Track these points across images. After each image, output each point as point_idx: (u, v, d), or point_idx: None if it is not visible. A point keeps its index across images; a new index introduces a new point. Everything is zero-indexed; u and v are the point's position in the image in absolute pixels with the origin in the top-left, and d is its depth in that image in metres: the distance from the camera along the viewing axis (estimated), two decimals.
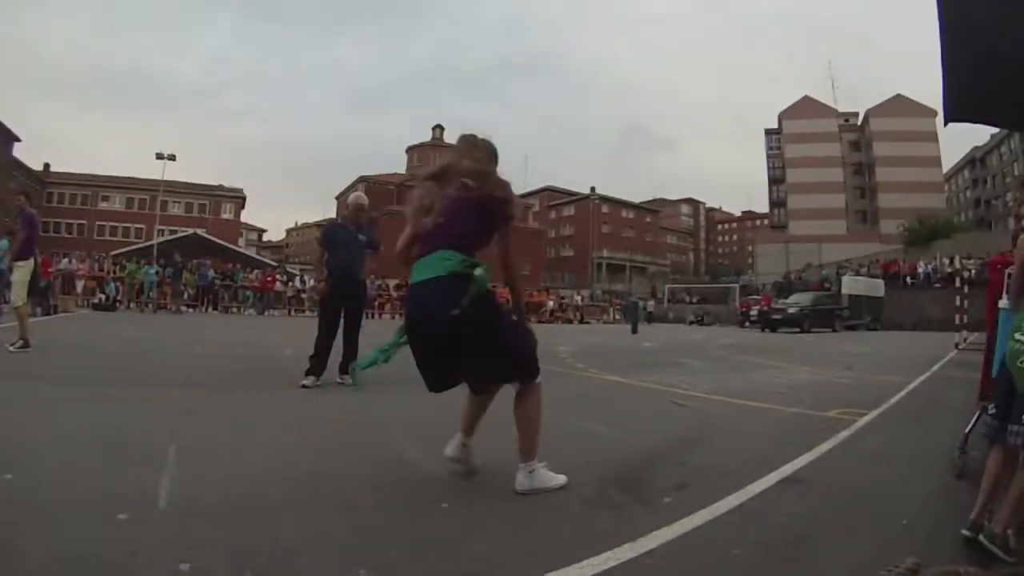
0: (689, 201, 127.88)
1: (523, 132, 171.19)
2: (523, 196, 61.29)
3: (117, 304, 26.65)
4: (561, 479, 3.78)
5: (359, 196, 8.62)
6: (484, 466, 4.07)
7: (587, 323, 37.77)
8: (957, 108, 4.51)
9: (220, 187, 77.66)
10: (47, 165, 75.76)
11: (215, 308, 29.34)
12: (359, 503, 3.44)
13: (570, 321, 37.52)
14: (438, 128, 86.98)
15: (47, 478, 3.65)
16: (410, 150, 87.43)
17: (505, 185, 3.83)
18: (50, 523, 2.95)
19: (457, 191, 3.74)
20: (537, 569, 2.61)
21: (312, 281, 30.24)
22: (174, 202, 71.45)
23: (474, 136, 4.01)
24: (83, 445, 4.45)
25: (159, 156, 47.15)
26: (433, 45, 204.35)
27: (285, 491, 3.57)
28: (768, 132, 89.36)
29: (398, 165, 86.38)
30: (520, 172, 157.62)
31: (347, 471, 4.08)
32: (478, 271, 3.55)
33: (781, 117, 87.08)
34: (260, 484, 3.68)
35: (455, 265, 3.55)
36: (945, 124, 5.00)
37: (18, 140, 65.81)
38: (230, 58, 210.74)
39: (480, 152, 3.91)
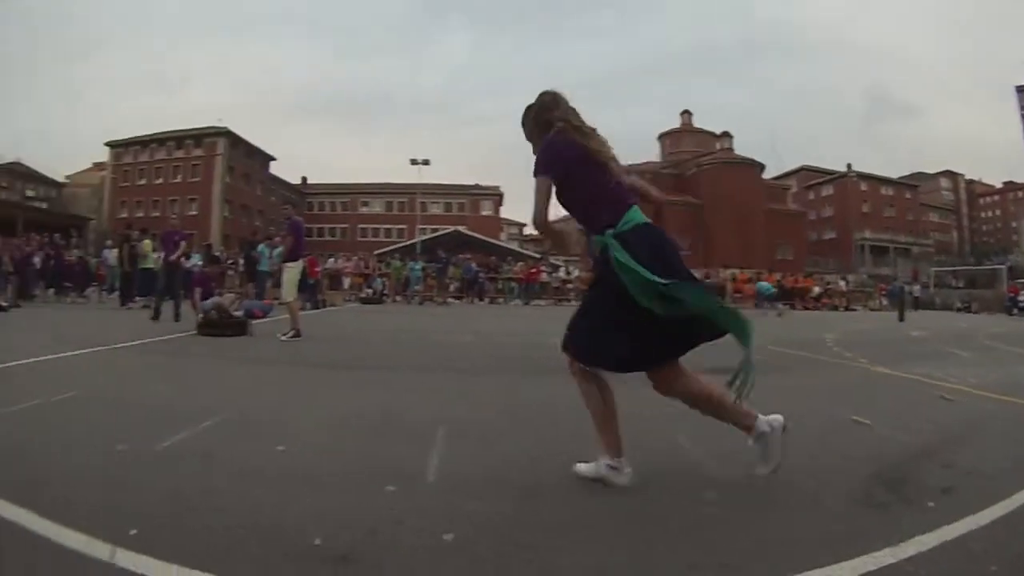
0: (947, 174, 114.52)
1: (769, 110, 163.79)
2: (778, 178, 58.86)
3: (384, 298, 28.11)
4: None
5: None
6: (745, 457, 3.75)
7: (852, 310, 35.59)
8: None
9: (476, 186, 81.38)
10: (304, 179, 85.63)
11: (480, 299, 30.23)
12: (621, 487, 3.30)
13: (836, 308, 35.54)
14: (686, 113, 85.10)
15: (318, 451, 3.90)
16: (661, 137, 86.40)
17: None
18: (319, 491, 3.14)
19: None
20: (795, 566, 2.46)
21: (577, 271, 30.89)
22: (432, 203, 76.06)
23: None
24: (353, 423, 4.73)
25: (413, 162, 50.07)
26: (667, 30, 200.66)
27: (548, 471, 3.54)
28: (1019, 89, 75.35)
29: (650, 154, 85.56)
30: (772, 154, 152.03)
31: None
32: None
33: None
34: (524, 463, 3.69)
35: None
36: None
37: (274, 159, 75.92)
38: (472, 67, 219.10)
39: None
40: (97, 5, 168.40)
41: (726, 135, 77.71)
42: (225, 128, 65.13)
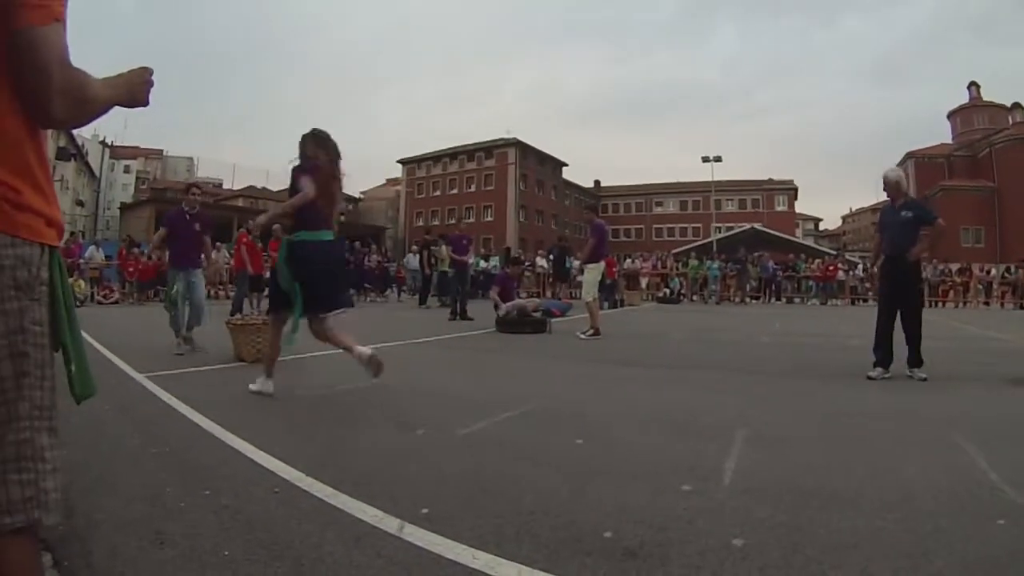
0: None
1: None
2: None
3: (681, 297, 27.92)
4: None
5: (892, 171, 7.48)
6: None
7: None
8: None
9: (770, 181, 78.46)
10: (597, 182, 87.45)
11: (778, 299, 29.22)
12: (919, 504, 3.02)
13: None
14: (973, 86, 75.00)
15: (616, 446, 3.93)
16: (951, 115, 77.30)
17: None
18: (614, 485, 3.16)
19: None
20: None
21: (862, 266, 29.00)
22: (727, 200, 74.73)
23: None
24: (653, 420, 4.71)
25: (705, 159, 49.10)
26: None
27: (846, 482, 3.32)
28: None
29: (942, 135, 76.49)
30: None
31: (903, 467, 3.61)
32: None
33: None
34: (821, 472, 3.48)
35: None
36: None
37: (566, 165, 77.37)
38: (745, 58, 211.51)
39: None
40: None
41: (1018, 107, 67.13)
42: (514, 139, 68.15)
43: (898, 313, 7.08)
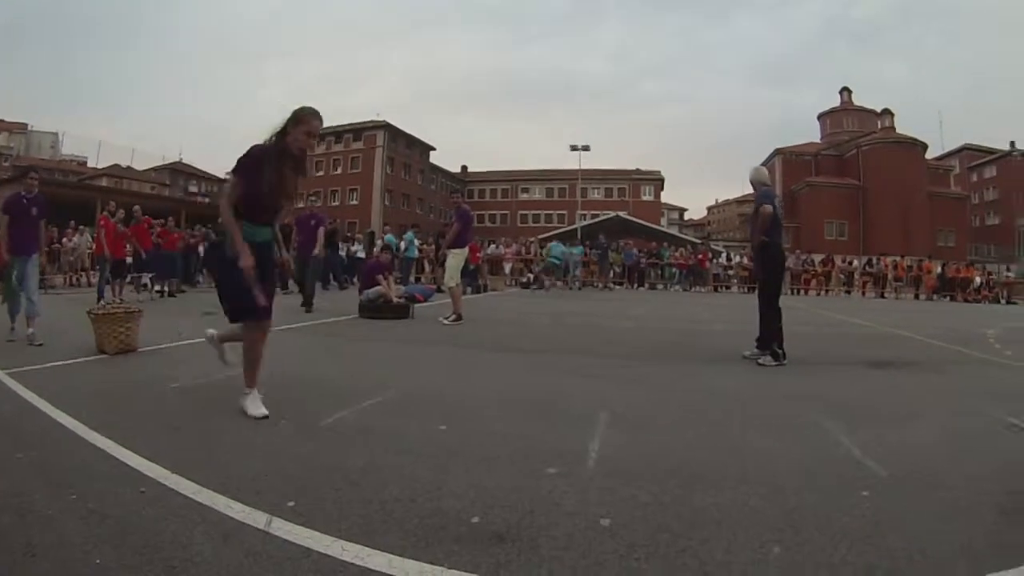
0: None
1: (931, 85, 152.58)
2: (940, 158, 54.98)
3: (544, 283, 28.19)
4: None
5: (755, 169, 7.95)
6: (900, 456, 3.56)
7: (1013, 303, 32.77)
8: None
9: (637, 171, 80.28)
10: (464, 167, 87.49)
11: (641, 285, 30.00)
12: (778, 480, 3.23)
13: (997, 300, 32.94)
14: (845, 91, 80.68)
15: (480, 431, 3.97)
16: (822, 117, 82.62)
17: (249, 148, 4.30)
18: (480, 471, 3.20)
19: None
20: (940, 574, 2.39)
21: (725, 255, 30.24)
22: (593, 188, 76.18)
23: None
24: (516, 405, 4.77)
25: (573, 148, 50.06)
26: (823, 2, 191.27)
27: (707, 461, 3.50)
28: None
29: (811, 134, 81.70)
30: (934, 131, 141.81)
31: (767, 447, 3.84)
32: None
33: None
34: (684, 452, 3.64)
35: None
36: None
37: (433, 149, 77.97)
38: (632, 50, 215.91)
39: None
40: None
41: (887, 112, 72.66)
42: (383, 121, 67.51)
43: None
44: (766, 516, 2.77)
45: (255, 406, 4.22)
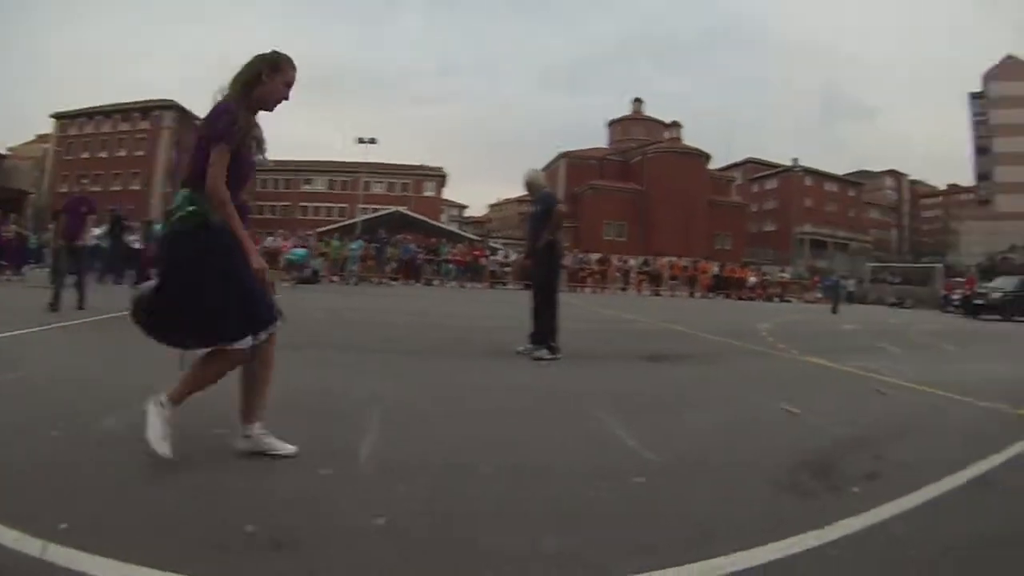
0: (892, 173, 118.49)
1: (723, 103, 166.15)
2: (724, 169, 60.16)
3: (319, 277, 27.75)
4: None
5: (530, 171, 8.35)
6: (675, 443, 3.89)
7: (787, 301, 36.37)
8: None
9: (421, 167, 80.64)
10: None
11: (418, 281, 30.14)
12: (554, 471, 3.44)
13: (771, 298, 36.37)
14: (637, 101, 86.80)
15: None
16: (611, 124, 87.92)
17: (217, 107, 3.26)
18: (252, 475, 3.13)
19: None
20: (721, 549, 2.55)
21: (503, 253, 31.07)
22: (376, 182, 75.22)
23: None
24: (286, 404, 4.56)
25: (360, 140, 49.56)
26: (628, 17, 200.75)
27: (483, 455, 3.61)
28: (973, 96, 78.76)
29: (599, 140, 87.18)
30: (721, 144, 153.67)
31: (542, 439, 4.07)
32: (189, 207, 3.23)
33: (985, 79, 75.19)
34: (459, 447, 3.77)
35: (179, 201, 3.27)
36: None
37: None
38: (427, 45, 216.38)
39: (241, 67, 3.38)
40: None
41: (675, 124, 78.57)
42: (172, 101, 63.35)
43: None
44: (542, 506, 2.91)
45: (280, 442, 3.52)
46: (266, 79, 3.34)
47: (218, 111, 3.24)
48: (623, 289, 33.01)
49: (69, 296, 10.60)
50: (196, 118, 64.58)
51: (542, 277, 8.10)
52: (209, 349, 3.40)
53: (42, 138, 72.93)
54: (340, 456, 3.44)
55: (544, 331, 7.69)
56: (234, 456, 3.40)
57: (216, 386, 3.43)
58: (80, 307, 10.68)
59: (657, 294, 32.44)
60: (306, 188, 79.51)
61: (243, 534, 2.48)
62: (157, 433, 3.16)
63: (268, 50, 3.44)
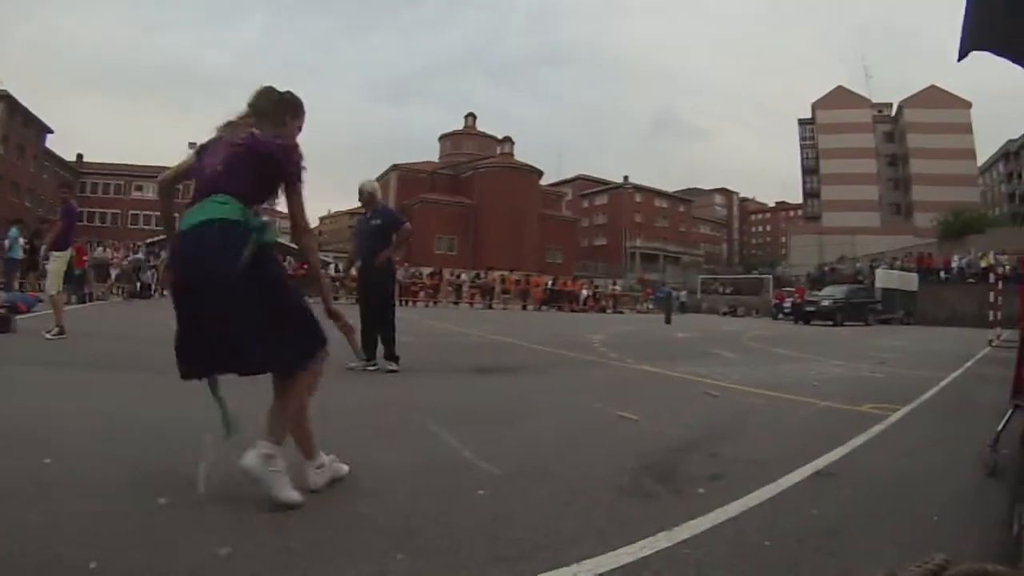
0: (723, 191, 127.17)
1: (556, 121, 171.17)
2: (555, 185, 61.84)
3: (152, 292, 26.68)
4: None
5: (367, 183, 8.43)
6: (514, 454, 4.12)
7: (620, 312, 37.75)
8: (977, 37, 3.80)
9: None
10: (80, 156, 78.02)
11: None
12: (399, 487, 3.52)
13: (604, 310, 37.62)
14: (470, 116, 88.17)
15: (89, 464, 3.68)
16: (443, 138, 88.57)
17: (287, 147, 3.32)
18: (92, 509, 2.97)
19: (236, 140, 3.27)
20: (571, 556, 2.66)
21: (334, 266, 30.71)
22: None
23: (272, 88, 3.50)
24: (126, 430, 4.53)
25: (191, 145, 47.34)
26: (467, 34, 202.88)
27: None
28: (802, 122, 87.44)
29: (431, 153, 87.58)
30: (553, 161, 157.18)
31: (386, 455, 4.17)
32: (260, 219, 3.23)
33: (815, 107, 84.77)
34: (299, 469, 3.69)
35: (231, 210, 3.12)
36: (959, 59, 3.91)
37: (51, 132, 68.59)
38: (263, 50, 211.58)
39: (264, 100, 3.42)
40: None
41: (508, 140, 79.93)
42: (4, 91, 57.47)
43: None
44: (385, 524, 2.96)
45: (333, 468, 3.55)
46: (288, 123, 3.43)
47: (289, 151, 3.29)
48: (455, 303, 33.49)
49: None
50: (24, 111, 60.58)
51: (383, 292, 8.23)
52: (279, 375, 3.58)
53: None
54: (178, 485, 3.29)
55: (377, 346, 7.89)
56: (68, 487, 3.20)
57: None
58: None
59: (490, 307, 33.04)
60: (137, 195, 74.54)
61: (86, 572, 2.36)
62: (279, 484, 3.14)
63: (285, 90, 3.49)
